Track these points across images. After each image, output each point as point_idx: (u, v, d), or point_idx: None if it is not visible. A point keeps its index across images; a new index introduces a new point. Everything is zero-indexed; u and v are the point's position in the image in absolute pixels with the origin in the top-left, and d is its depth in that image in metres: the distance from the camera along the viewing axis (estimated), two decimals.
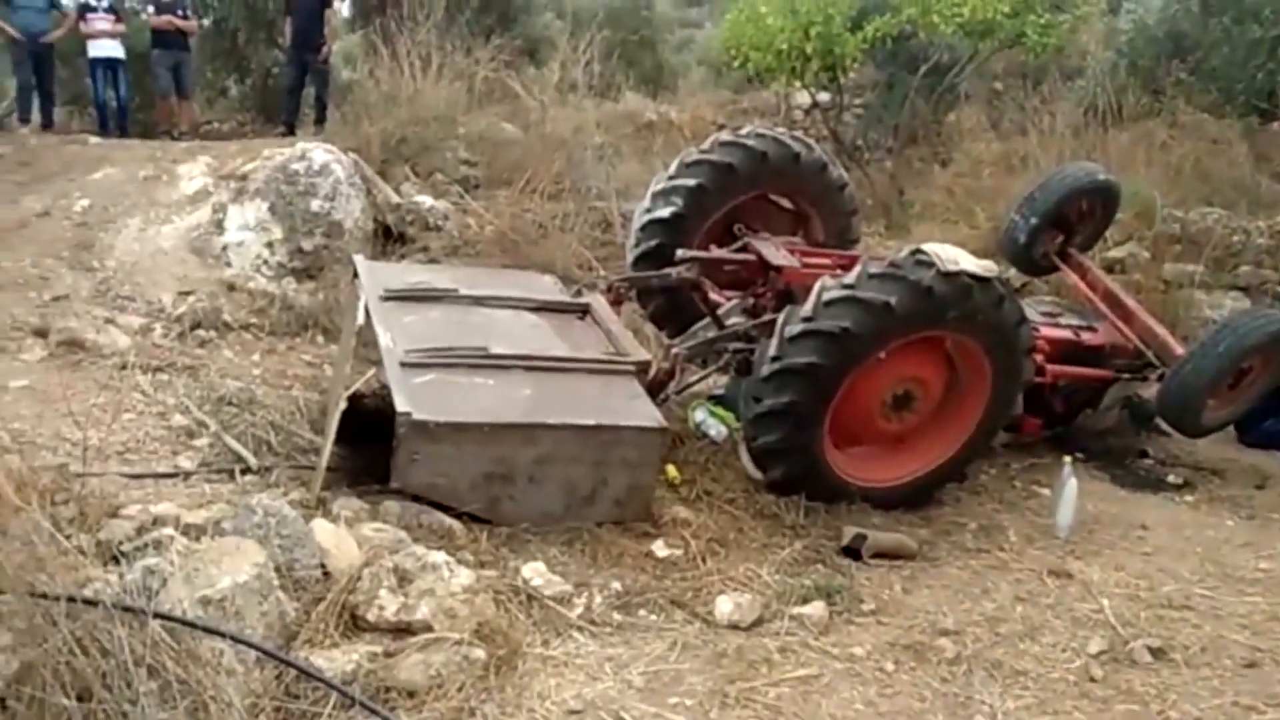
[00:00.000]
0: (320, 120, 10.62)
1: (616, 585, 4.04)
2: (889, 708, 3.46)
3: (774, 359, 4.58)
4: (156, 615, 2.80)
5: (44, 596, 2.65)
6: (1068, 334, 5.92)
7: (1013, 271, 6.73)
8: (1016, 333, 4.92)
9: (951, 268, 4.64)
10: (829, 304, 4.55)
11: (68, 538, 3.17)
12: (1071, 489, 4.82)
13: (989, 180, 9.20)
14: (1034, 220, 6.34)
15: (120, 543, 3.43)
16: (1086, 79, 9.99)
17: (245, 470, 4.54)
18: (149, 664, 2.68)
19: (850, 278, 4.65)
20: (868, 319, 4.53)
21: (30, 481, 3.34)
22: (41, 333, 5.69)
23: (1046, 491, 5.26)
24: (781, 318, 4.69)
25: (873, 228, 8.61)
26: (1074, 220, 6.50)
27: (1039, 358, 5.40)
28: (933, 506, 5.05)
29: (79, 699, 2.50)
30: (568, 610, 3.83)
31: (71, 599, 2.67)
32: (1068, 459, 4.99)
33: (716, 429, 5.26)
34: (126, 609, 2.76)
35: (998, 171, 9.26)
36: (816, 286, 4.67)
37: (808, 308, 4.58)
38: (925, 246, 4.77)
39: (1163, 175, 8.30)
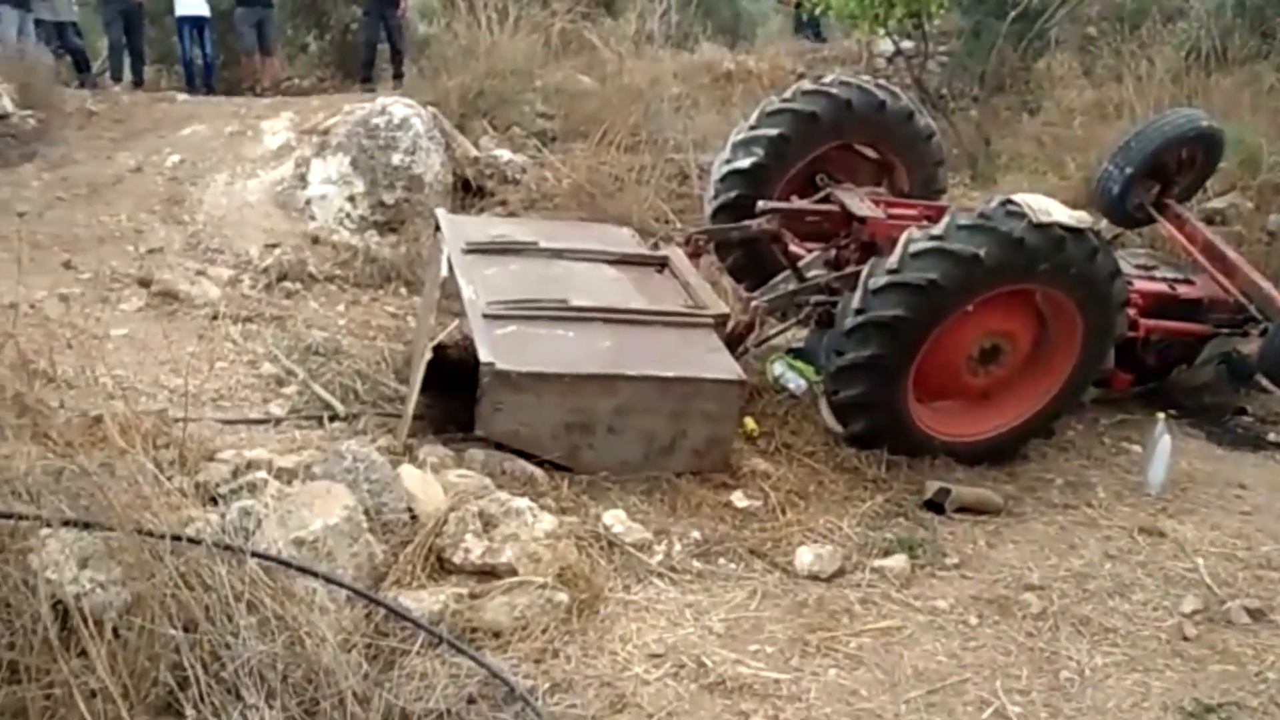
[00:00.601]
0: (398, 75, 10.69)
1: (696, 534, 4.06)
2: (972, 660, 3.43)
3: (857, 312, 4.51)
4: (254, 554, 2.89)
5: (150, 534, 2.75)
6: (1163, 287, 5.71)
7: (1105, 223, 6.49)
8: (1110, 286, 4.76)
9: (1044, 219, 4.50)
10: (915, 255, 4.45)
11: (169, 479, 3.27)
12: (1165, 445, 4.68)
13: (1080, 129, 8.87)
14: (1129, 170, 6.10)
15: (217, 485, 3.55)
16: (1189, 21, 9.52)
17: (333, 417, 4.65)
18: (248, 600, 2.77)
19: (938, 229, 4.53)
20: (955, 271, 4.42)
21: (134, 426, 3.47)
22: (144, 283, 5.87)
23: (1137, 448, 5.11)
24: (866, 270, 4.61)
25: (957, 179, 8.37)
26: (1172, 170, 6.23)
27: (1132, 311, 5.22)
28: (1018, 462, 4.95)
29: (185, 630, 2.60)
30: (648, 557, 3.86)
31: (176, 537, 2.77)
32: (1161, 415, 4.84)
33: (796, 382, 5.22)
34: (226, 548, 2.86)
35: (1090, 120, 8.92)
36: (902, 238, 4.57)
37: (893, 259, 4.49)
38: (1016, 197, 4.63)
39: (1270, 121, 7.91)
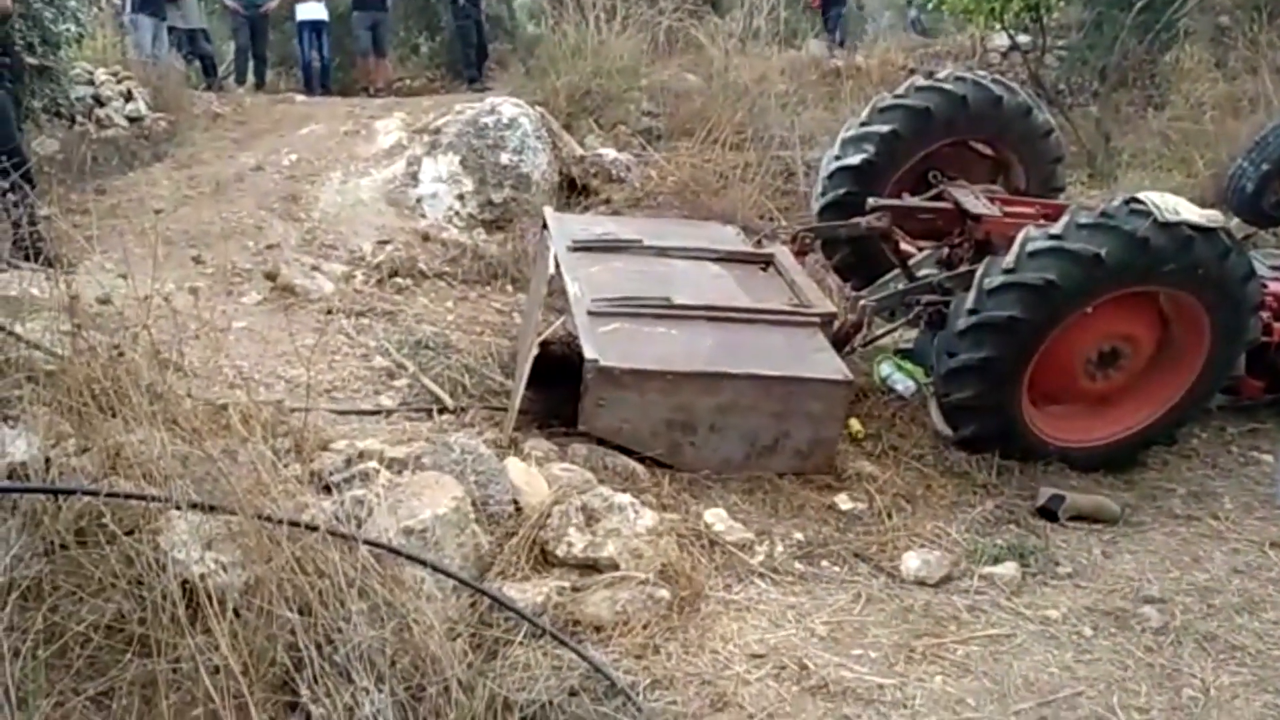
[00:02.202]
0: (479, 67, 10.86)
1: (799, 535, 4.01)
2: (1086, 673, 3.30)
3: (971, 312, 4.39)
4: (365, 542, 2.97)
5: (269, 520, 2.85)
6: None
7: (1237, 222, 6.17)
8: (1242, 289, 4.52)
9: (1171, 217, 4.30)
10: (1033, 255, 4.31)
11: (286, 467, 3.39)
12: None
13: (1210, 124, 8.46)
14: (1265, 166, 5.82)
15: (331, 473, 3.66)
16: None
17: (442, 410, 4.75)
18: (359, 586, 2.85)
19: (1057, 227, 4.38)
20: (1075, 271, 4.27)
21: (254, 415, 3.60)
22: (270, 276, 6.10)
23: (1269, 459, 4.86)
24: (980, 269, 4.48)
25: (1075, 176, 8.07)
26: None
27: (1266, 315, 4.95)
28: (1137, 470, 4.76)
29: (300, 613, 2.68)
30: (749, 557, 3.83)
31: (293, 523, 2.86)
32: None
33: (904, 384, 5.11)
34: (339, 535, 2.94)
35: (1221, 114, 8.50)
36: (1019, 236, 4.43)
37: (1009, 259, 4.35)
38: (1141, 194, 4.44)
39: None
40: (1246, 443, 5.13)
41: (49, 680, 2.53)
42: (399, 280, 6.49)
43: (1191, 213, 4.37)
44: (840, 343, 4.77)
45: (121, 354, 3.33)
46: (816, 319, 4.73)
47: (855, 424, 4.77)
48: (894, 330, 5.41)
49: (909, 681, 3.20)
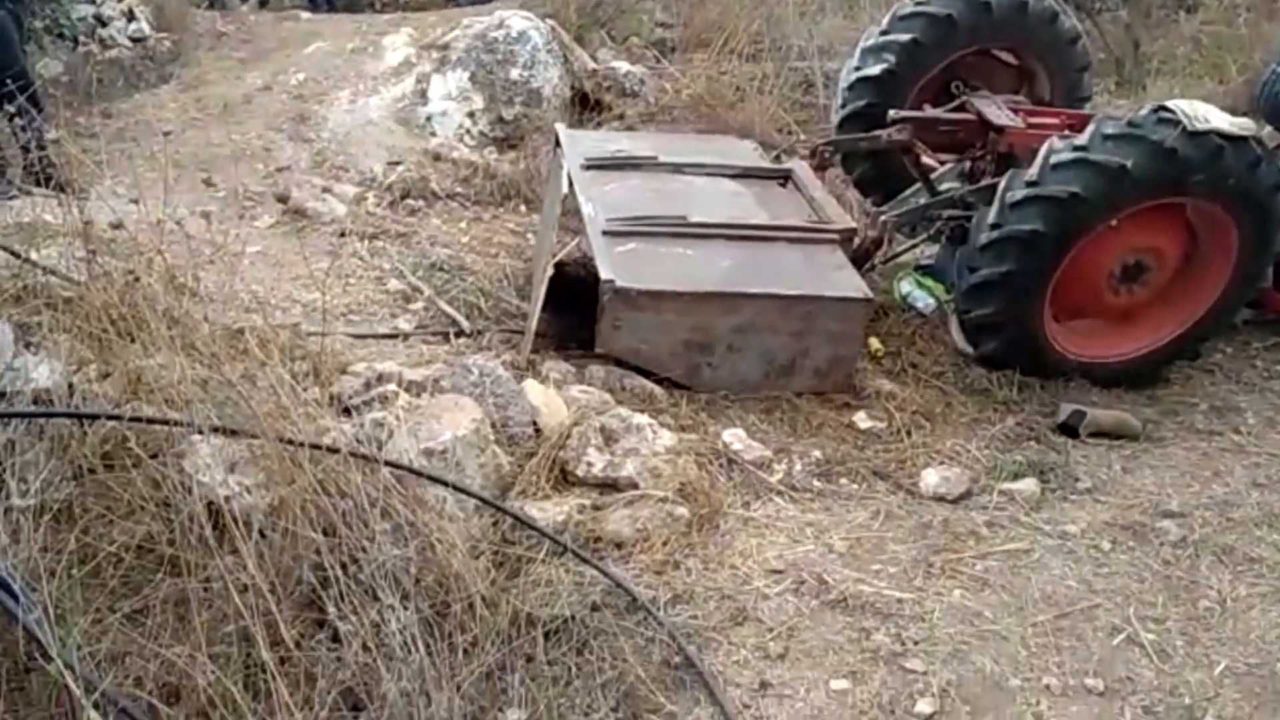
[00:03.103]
0: None
1: (817, 454, 4.01)
2: (1104, 586, 3.32)
3: (993, 226, 4.31)
4: (387, 464, 3.00)
5: (290, 443, 2.88)
6: None
7: (1269, 130, 6.00)
8: (1272, 199, 4.42)
9: (1200, 126, 4.18)
10: (1057, 167, 4.21)
11: (305, 390, 3.40)
12: None
13: (1244, 27, 8.18)
14: None
15: (350, 396, 3.67)
16: None
17: (459, 333, 4.74)
18: (382, 507, 2.88)
19: (1082, 138, 4.27)
20: (1100, 183, 4.17)
21: (271, 339, 3.60)
22: (282, 199, 6.06)
23: None
24: (1003, 182, 4.38)
25: (1102, 85, 7.85)
26: None
27: None
28: (1159, 385, 4.72)
29: (324, 533, 2.72)
30: (768, 475, 3.84)
31: (314, 445, 2.89)
32: None
33: (924, 301, 5.06)
34: (361, 457, 2.96)
35: (1255, 16, 8.21)
36: (1043, 148, 4.32)
37: (1033, 171, 4.26)
38: (1169, 102, 4.32)
39: None
40: (1271, 357, 5.06)
41: (85, 599, 2.59)
42: (411, 202, 6.41)
43: (1221, 121, 4.25)
44: (860, 260, 4.70)
45: (137, 279, 3.33)
46: (836, 236, 4.66)
47: (875, 342, 4.74)
48: (915, 246, 5.33)
49: (927, 596, 3.23)
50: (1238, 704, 2.86)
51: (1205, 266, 4.60)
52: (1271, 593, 3.32)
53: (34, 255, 3.56)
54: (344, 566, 2.68)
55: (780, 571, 3.30)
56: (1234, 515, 3.72)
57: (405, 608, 2.66)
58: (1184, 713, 2.82)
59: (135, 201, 3.85)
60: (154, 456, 2.80)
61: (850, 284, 4.42)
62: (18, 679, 2.47)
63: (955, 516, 3.67)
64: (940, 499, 3.78)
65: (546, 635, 2.81)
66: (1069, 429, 4.26)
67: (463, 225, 6.20)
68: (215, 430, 2.86)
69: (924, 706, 2.79)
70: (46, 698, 2.43)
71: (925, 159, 5.22)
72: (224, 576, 2.54)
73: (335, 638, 2.63)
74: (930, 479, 3.84)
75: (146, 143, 6.22)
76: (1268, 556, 3.49)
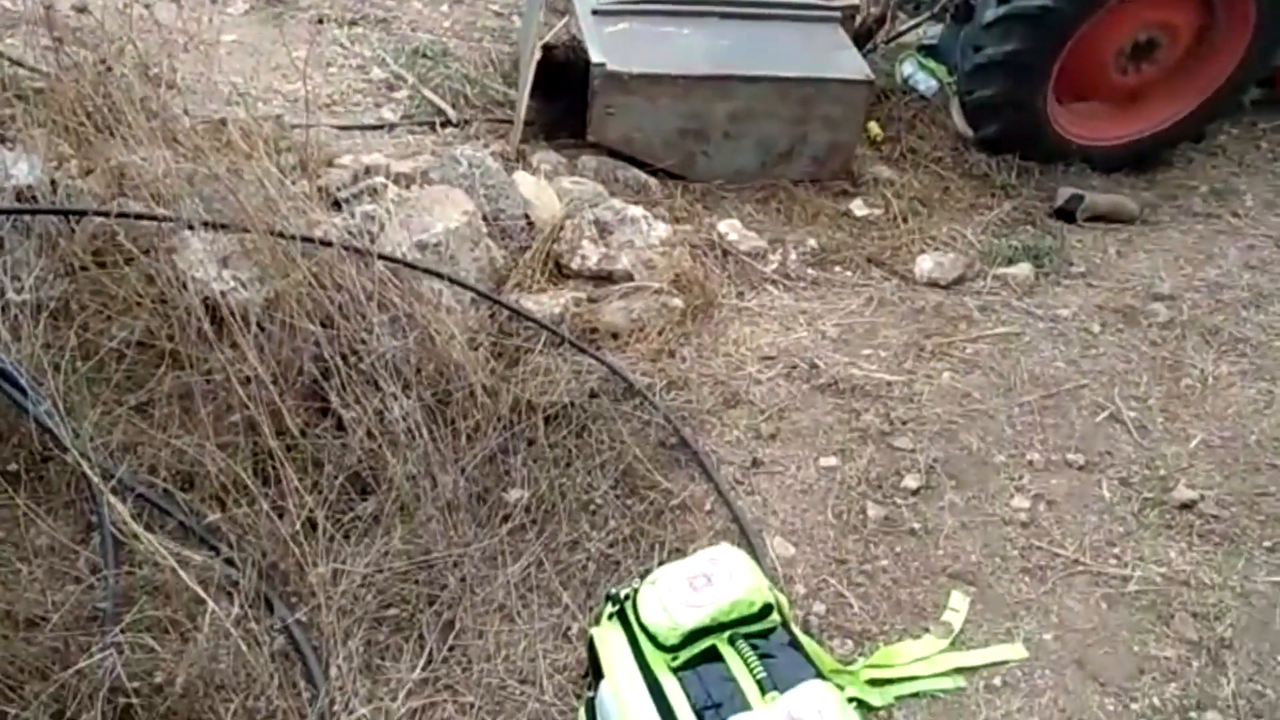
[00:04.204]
0: None
1: (812, 242, 4.00)
2: (1090, 367, 3.40)
3: (1000, 2, 4.11)
4: (380, 256, 2.98)
5: (282, 236, 2.85)
6: None
7: None
8: None
9: None
10: None
11: (293, 184, 3.33)
12: None
13: None
14: None
15: (338, 189, 3.61)
16: None
17: (445, 123, 4.61)
18: (378, 299, 2.89)
19: None
20: None
21: (254, 131, 3.49)
22: None
23: None
24: None
25: None
26: None
27: None
28: (1160, 168, 4.65)
29: (322, 325, 2.74)
30: (762, 265, 3.85)
31: (307, 239, 2.86)
32: None
33: (926, 82, 4.89)
34: (354, 249, 2.94)
35: None
36: None
37: None
38: None
39: None
40: (1276, 139, 4.97)
41: (91, 393, 2.64)
42: None
43: None
44: (862, 39, 4.53)
45: (109, 69, 3.20)
46: (837, 13, 4.47)
47: (874, 127, 4.63)
48: (918, 25, 5.11)
49: (917, 378, 3.30)
50: (1208, 474, 2.98)
51: (1219, 43, 4.43)
52: (1252, 370, 3.40)
53: None
54: (344, 357, 2.72)
55: (772, 358, 3.36)
56: (1223, 297, 3.76)
57: (407, 396, 2.71)
58: (1158, 483, 2.95)
59: None
60: (146, 253, 2.78)
61: (852, 65, 4.27)
62: (35, 469, 2.56)
63: (948, 302, 3.70)
64: (934, 284, 3.80)
65: (546, 420, 2.89)
66: (1066, 213, 4.23)
67: (445, 8, 5.91)
68: (205, 225, 2.83)
69: (910, 481, 2.90)
70: (65, 485, 2.53)
71: None
72: (225, 369, 2.58)
73: (339, 426, 2.70)
74: (925, 265, 3.84)
75: None
76: (1252, 336, 3.55)
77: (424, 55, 5.14)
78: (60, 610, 2.20)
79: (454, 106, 4.71)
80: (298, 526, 2.44)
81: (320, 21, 5.51)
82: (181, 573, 2.14)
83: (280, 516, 2.45)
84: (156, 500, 2.51)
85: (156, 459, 2.57)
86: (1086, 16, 4.12)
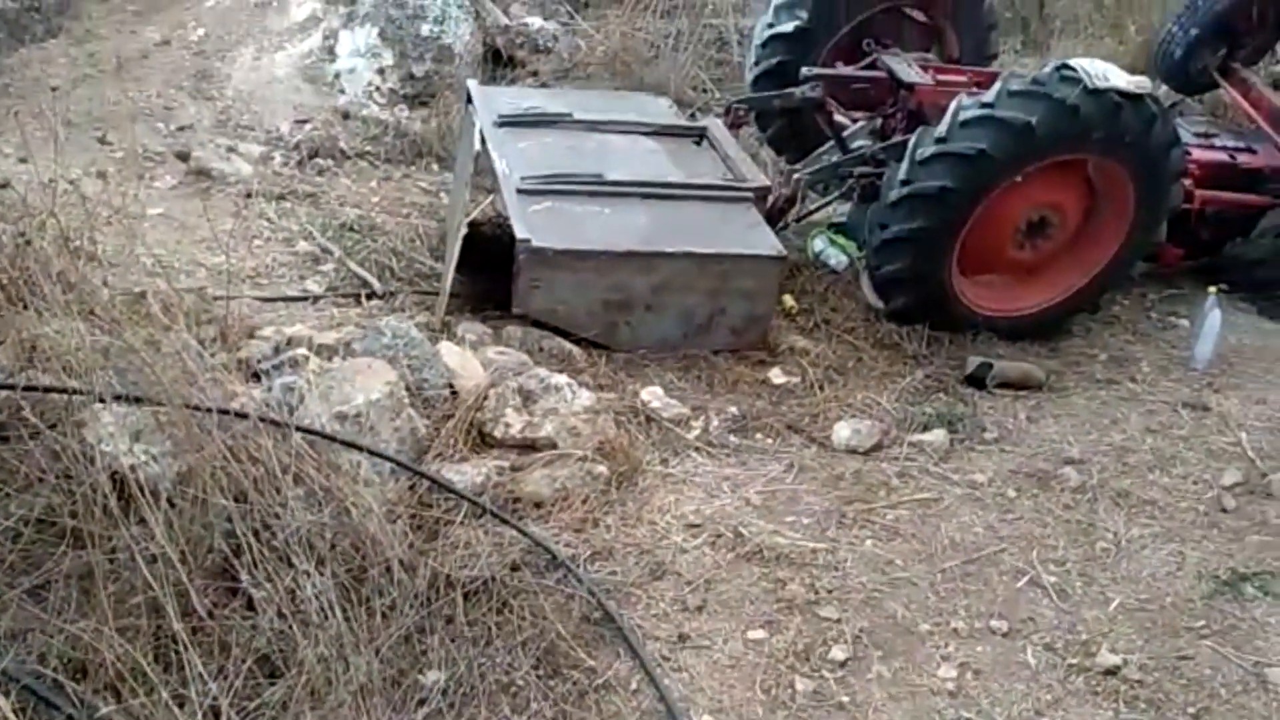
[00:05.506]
0: None
1: (733, 410, 4.07)
2: (1009, 532, 3.46)
3: (903, 183, 4.38)
4: (298, 429, 2.94)
5: (197, 409, 2.80)
6: (1222, 157, 5.45)
7: (1165, 89, 6.20)
8: (1166, 156, 4.59)
9: (1100, 84, 4.30)
10: (965, 124, 4.29)
11: (212, 356, 3.31)
12: (1214, 320, 4.59)
13: None
14: (1194, 31, 5.80)
15: (259, 361, 3.59)
16: None
17: (370, 295, 4.65)
18: (294, 473, 2.83)
19: (989, 95, 4.36)
20: (1006, 140, 4.27)
21: (175, 303, 3.48)
22: (183, 157, 5.84)
23: (1185, 323, 5.03)
24: (913, 139, 4.45)
25: (1009, 44, 8.00)
26: (1241, 31, 5.90)
27: (1188, 182, 5.04)
28: (1061, 337, 4.88)
29: (235, 500, 2.67)
30: (685, 432, 3.89)
31: (223, 411, 2.82)
32: (1212, 289, 4.72)
33: (837, 258, 5.13)
34: (271, 422, 2.90)
35: None
36: (952, 105, 4.40)
37: (942, 128, 4.33)
38: (1072, 61, 4.43)
39: None
40: (1165, 308, 5.28)
41: None
42: (319, 161, 6.24)
43: (1120, 79, 4.37)
44: (774, 218, 4.75)
45: (29, 242, 3.18)
46: (750, 194, 4.69)
47: (788, 299, 4.80)
48: (828, 204, 5.40)
49: (840, 545, 3.32)
50: (1129, 638, 3.02)
51: (1105, 222, 4.75)
52: (1162, 533, 3.50)
53: None
54: (256, 533, 2.64)
55: (697, 526, 3.35)
56: (1129, 460, 3.89)
57: (321, 573, 2.63)
58: (1080, 648, 2.96)
59: (24, 160, 3.66)
60: (52, 427, 2.70)
61: (765, 242, 4.46)
62: None
63: (867, 468, 3.76)
64: (852, 451, 3.86)
65: (466, 596, 2.81)
66: (976, 381, 4.39)
67: (373, 185, 6.07)
68: (118, 398, 2.77)
69: (838, 653, 2.87)
70: None
71: (838, 116, 5.27)
72: (131, 547, 2.48)
73: (250, 605, 2.59)
74: (842, 432, 3.92)
75: (34, 99, 5.92)
76: (1159, 499, 3.67)
77: (351, 229, 5.23)
78: None
79: (380, 279, 4.77)
80: (199, 717, 2.29)
81: (248, 196, 5.60)
82: None
83: (181, 706, 2.31)
84: (44, 693, 2.34)
85: (48, 646, 2.42)
86: (982, 196, 4.40)
